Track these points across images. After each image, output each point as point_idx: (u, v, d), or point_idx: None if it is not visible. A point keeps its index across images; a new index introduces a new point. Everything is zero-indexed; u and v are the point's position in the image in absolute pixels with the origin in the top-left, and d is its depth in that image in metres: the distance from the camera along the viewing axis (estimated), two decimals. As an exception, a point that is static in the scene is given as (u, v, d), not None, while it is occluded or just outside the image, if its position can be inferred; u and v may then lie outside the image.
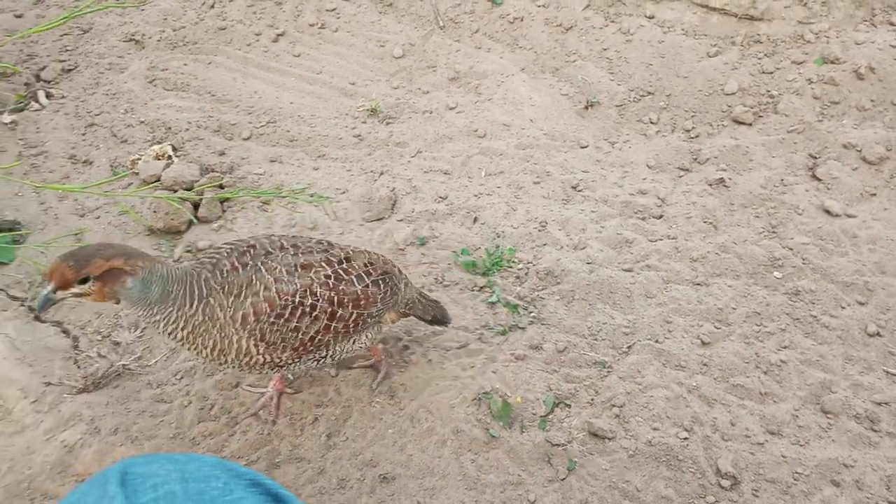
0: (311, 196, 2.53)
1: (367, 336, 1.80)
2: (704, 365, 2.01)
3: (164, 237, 2.52)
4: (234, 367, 1.63)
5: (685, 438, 1.84)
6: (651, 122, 2.86)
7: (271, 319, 1.56)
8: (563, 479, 1.79)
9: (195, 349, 1.58)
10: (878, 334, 2.05)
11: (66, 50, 3.43)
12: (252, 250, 1.62)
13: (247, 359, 1.60)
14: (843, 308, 2.12)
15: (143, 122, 3.01)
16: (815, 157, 2.56)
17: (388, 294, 1.75)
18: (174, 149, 2.86)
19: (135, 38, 3.47)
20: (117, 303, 1.48)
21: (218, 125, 2.99)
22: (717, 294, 2.19)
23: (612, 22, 3.18)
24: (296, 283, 1.59)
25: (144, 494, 0.93)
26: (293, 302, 1.58)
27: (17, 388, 2.01)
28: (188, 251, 2.46)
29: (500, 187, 2.66)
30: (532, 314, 2.20)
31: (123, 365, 2.09)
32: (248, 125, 2.99)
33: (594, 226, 2.47)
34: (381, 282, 1.73)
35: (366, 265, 1.72)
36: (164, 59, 3.36)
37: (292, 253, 1.64)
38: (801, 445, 1.82)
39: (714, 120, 2.78)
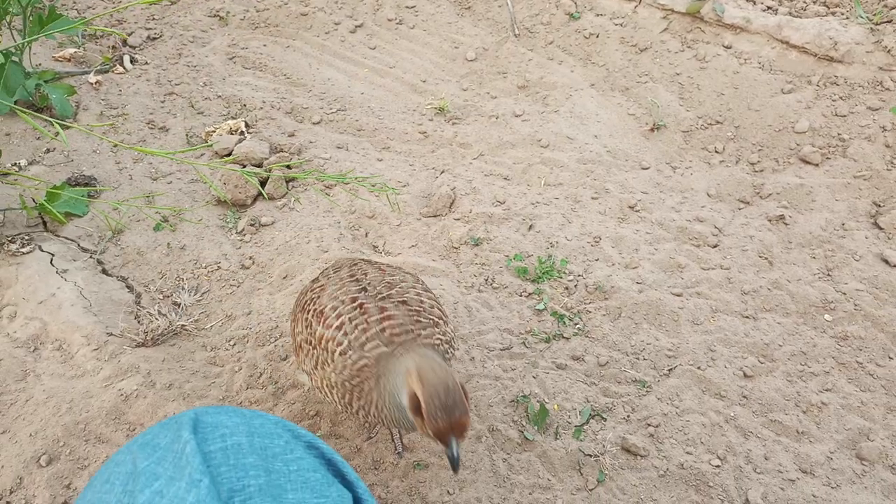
0: (376, 185, 2.61)
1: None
2: (744, 397, 2.02)
3: (231, 209, 2.63)
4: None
5: (717, 466, 1.85)
6: (716, 152, 2.86)
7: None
8: (591, 490, 1.82)
9: None
10: (926, 390, 2.03)
11: (153, 19, 3.58)
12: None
13: None
14: (890, 358, 2.10)
15: (219, 96, 3.13)
16: (879, 206, 2.54)
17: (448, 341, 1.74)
18: (247, 125, 2.97)
19: (219, 14, 3.61)
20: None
21: (290, 107, 3.09)
22: (765, 329, 2.20)
23: (689, 48, 3.19)
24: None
25: (214, 443, 1.00)
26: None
27: (82, 335, 2.13)
28: (252, 224, 2.56)
29: (557, 198, 2.69)
30: (577, 326, 2.23)
31: (182, 325, 2.20)
32: (318, 110, 3.09)
33: (648, 247, 2.49)
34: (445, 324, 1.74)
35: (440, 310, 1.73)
36: (245, 37, 3.49)
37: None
38: (833, 487, 1.82)
39: (781, 156, 2.77)
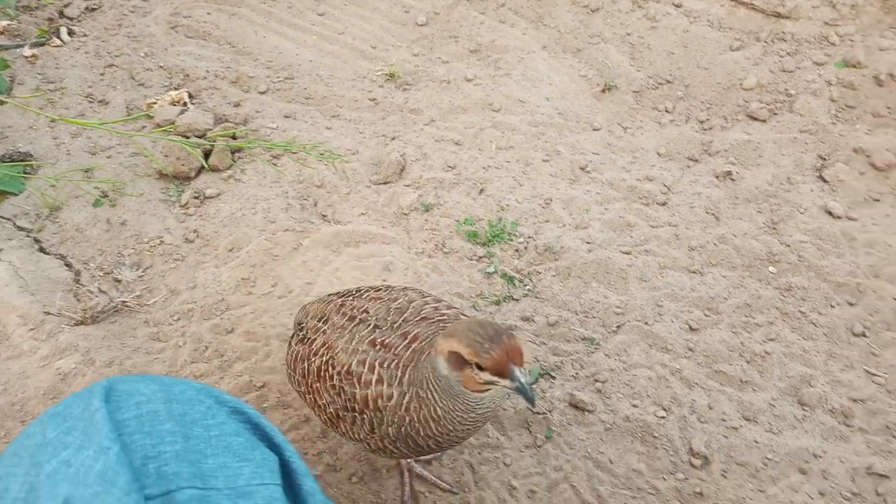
0: (323, 153, 2.56)
1: None
2: (690, 350, 2.05)
3: (173, 182, 2.56)
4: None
5: (662, 417, 1.88)
6: (666, 111, 2.86)
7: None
8: (539, 446, 1.83)
9: None
10: (864, 335, 2.07)
11: (92, -11, 3.45)
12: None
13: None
14: (832, 307, 2.14)
15: (161, 66, 3.03)
16: (824, 159, 2.56)
17: None
18: (190, 96, 2.88)
19: (161, -17, 3.48)
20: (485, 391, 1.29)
21: (236, 76, 3.01)
22: (711, 283, 2.22)
23: (640, 7, 3.16)
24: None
25: (128, 411, 0.97)
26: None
27: (17, 315, 2.07)
28: (196, 197, 2.50)
29: (509, 162, 2.68)
30: (527, 287, 2.23)
31: (123, 302, 2.15)
32: (265, 79, 3.01)
33: (598, 207, 2.49)
34: None
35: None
36: (188, 5, 3.37)
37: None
38: (775, 433, 1.85)
39: (729, 113, 2.78)
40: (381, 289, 1.59)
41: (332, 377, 1.45)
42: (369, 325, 1.45)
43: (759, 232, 2.35)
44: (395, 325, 1.43)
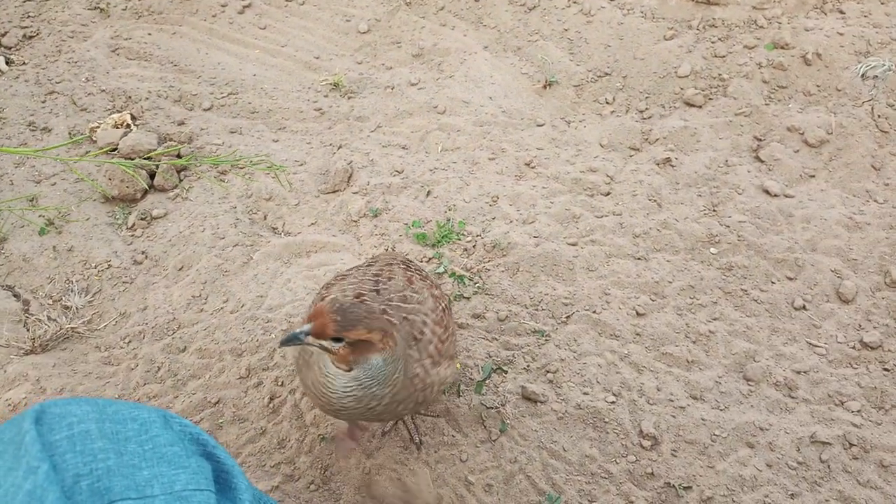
0: (268, 166, 2.56)
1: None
2: (638, 335, 2.09)
3: (119, 205, 2.55)
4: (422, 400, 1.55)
5: (612, 402, 1.92)
6: (607, 103, 2.91)
7: (445, 336, 1.56)
8: (494, 440, 1.86)
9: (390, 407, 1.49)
10: (804, 308, 2.13)
11: (29, 16, 3.41)
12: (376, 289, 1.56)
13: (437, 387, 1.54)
14: (772, 283, 2.20)
15: (103, 90, 3.01)
16: (760, 140, 2.63)
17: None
18: (133, 118, 2.87)
19: (100, 6, 3.46)
20: (349, 370, 1.35)
21: (179, 95, 3.00)
22: (656, 268, 2.27)
23: (575, 3, 3.22)
24: (424, 295, 1.59)
25: (59, 432, 0.98)
26: (442, 308, 1.61)
27: (-33, 348, 2.04)
28: (142, 219, 2.49)
29: (455, 163, 2.71)
30: (477, 285, 2.26)
31: (72, 328, 2.13)
32: (209, 96, 3.01)
33: (544, 201, 2.53)
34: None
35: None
36: (128, 28, 3.36)
37: (387, 279, 1.61)
38: (721, 410, 1.90)
39: (667, 101, 2.84)
40: (422, 275, 1.71)
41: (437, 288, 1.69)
42: (376, 287, 1.56)
43: (700, 215, 2.41)
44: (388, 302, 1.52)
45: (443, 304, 1.61)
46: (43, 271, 2.31)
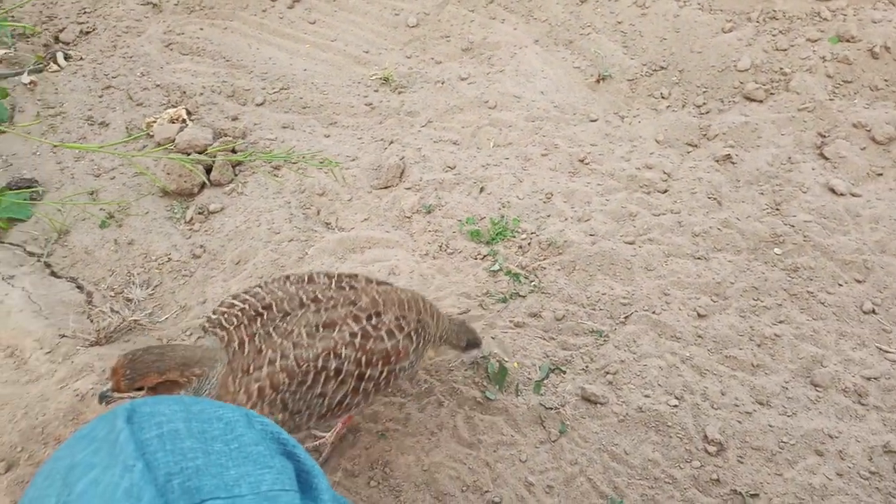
0: (322, 161, 2.57)
1: (401, 380, 1.69)
2: (699, 336, 2.05)
3: (177, 199, 2.58)
4: None
5: (675, 406, 1.88)
6: (662, 97, 2.86)
7: (292, 388, 1.41)
8: (554, 441, 1.84)
9: None
10: (874, 311, 2.06)
11: (85, 12, 3.47)
12: (267, 312, 1.46)
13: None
14: (840, 285, 2.13)
15: (158, 85, 3.05)
16: (824, 136, 2.55)
17: (420, 344, 1.61)
18: (188, 113, 2.91)
19: (152, 1, 3.50)
20: None
21: (232, 90, 3.03)
22: (717, 268, 2.22)
23: (628, -5, 3.16)
24: (317, 347, 1.42)
25: (150, 430, 1.00)
26: (315, 368, 1.42)
27: (33, 339, 2.09)
28: (200, 213, 2.52)
29: (507, 159, 2.68)
30: (533, 283, 2.24)
31: (135, 320, 2.17)
32: (261, 91, 3.03)
33: (599, 199, 2.49)
34: (413, 334, 1.57)
35: (398, 318, 1.54)
36: (180, 23, 3.40)
37: (313, 310, 1.47)
38: (789, 416, 1.86)
39: (725, 96, 2.77)
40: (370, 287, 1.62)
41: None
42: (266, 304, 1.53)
43: (763, 214, 2.35)
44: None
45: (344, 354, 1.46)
46: (104, 264, 2.36)
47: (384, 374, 1.51)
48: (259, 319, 1.44)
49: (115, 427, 0.97)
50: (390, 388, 1.67)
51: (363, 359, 1.46)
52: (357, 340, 1.46)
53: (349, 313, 1.48)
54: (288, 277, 1.56)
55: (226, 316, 1.47)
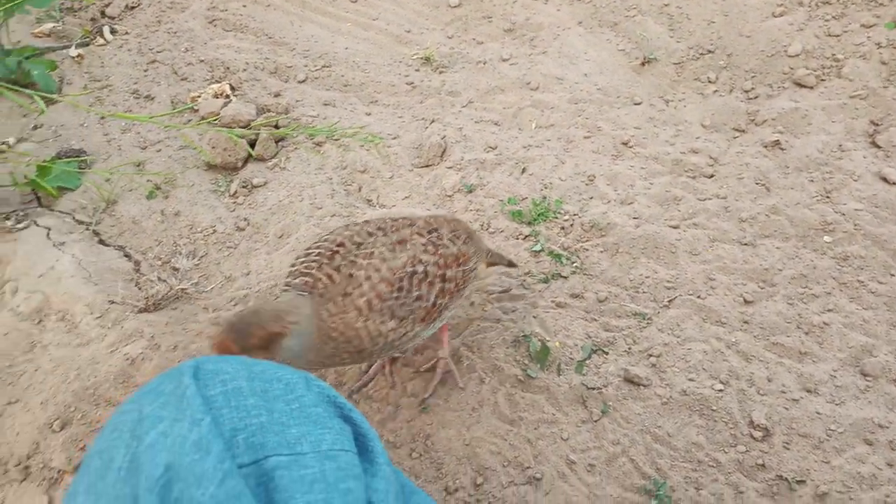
0: (365, 137, 2.58)
1: (469, 290, 1.84)
2: (745, 322, 2.02)
3: (221, 172, 2.61)
4: (368, 356, 1.60)
5: (720, 390, 1.87)
6: (709, 81, 2.81)
7: (395, 295, 1.54)
8: (596, 421, 1.84)
9: (338, 363, 1.58)
10: (927, 303, 2.02)
11: (131, -13, 3.51)
12: (342, 248, 1.58)
13: (381, 340, 1.56)
14: (892, 275, 2.09)
15: (202, 60, 3.08)
16: (877, 124, 2.49)
17: (477, 250, 1.82)
18: (232, 88, 2.93)
19: (196, -22, 3.52)
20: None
21: (274, 67, 3.04)
22: (764, 255, 2.19)
23: (675, -23, 3.10)
24: (402, 258, 1.58)
25: (214, 387, 1.02)
26: (407, 273, 1.57)
27: (84, 304, 2.14)
28: (244, 186, 2.55)
29: (549, 140, 2.66)
30: (575, 264, 2.23)
31: (182, 289, 2.21)
32: (303, 68, 3.04)
33: (643, 182, 2.47)
34: (469, 241, 1.77)
35: (452, 231, 1.74)
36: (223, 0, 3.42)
37: (382, 235, 1.62)
38: (837, 404, 1.83)
39: (774, 81, 2.72)
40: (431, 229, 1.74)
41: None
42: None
43: (812, 201, 2.31)
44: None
45: (425, 269, 1.61)
46: (151, 234, 2.40)
47: (460, 274, 1.71)
48: (337, 256, 1.57)
49: (182, 383, 0.99)
50: (467, 290, 1.80)
51: (441, 261, 1.64)
52: (430, 248, 1.64)
53: (413, 231, 1.66)
54: (347, 226, 1.69)
55: (305, 264, 1.57)
